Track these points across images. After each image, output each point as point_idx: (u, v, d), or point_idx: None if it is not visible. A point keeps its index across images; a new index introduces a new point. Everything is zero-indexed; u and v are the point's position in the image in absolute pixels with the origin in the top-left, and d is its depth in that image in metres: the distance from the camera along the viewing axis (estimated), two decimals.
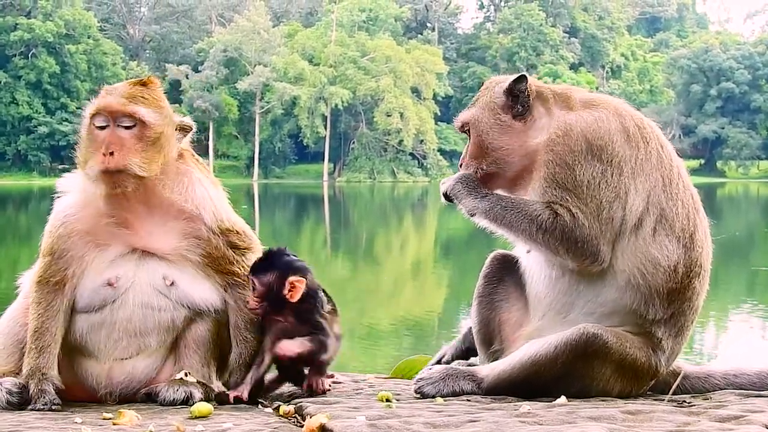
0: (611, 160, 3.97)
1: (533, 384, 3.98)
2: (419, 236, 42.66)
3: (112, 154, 3.92)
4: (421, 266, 30.70)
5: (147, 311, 4.05)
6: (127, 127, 3.97)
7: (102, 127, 3.98)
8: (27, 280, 4.25)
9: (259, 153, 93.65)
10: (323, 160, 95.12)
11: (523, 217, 4.00)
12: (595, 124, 4.02)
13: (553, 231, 3.95)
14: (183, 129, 4.15)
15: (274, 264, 4.09)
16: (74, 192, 4.13)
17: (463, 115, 4.30)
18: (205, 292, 4.14)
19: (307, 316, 4.09)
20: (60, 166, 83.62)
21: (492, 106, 4.21)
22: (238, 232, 4.20)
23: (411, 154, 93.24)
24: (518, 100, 4.17)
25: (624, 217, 3.97)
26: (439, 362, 4.53)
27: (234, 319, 4.18)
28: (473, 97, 4.42)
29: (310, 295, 4.09)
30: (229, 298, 4.17)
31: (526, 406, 3.67)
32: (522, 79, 4.18)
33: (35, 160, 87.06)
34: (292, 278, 4.05)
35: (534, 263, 4.22)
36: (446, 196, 4.21)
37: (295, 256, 4.18)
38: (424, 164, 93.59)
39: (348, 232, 43.01)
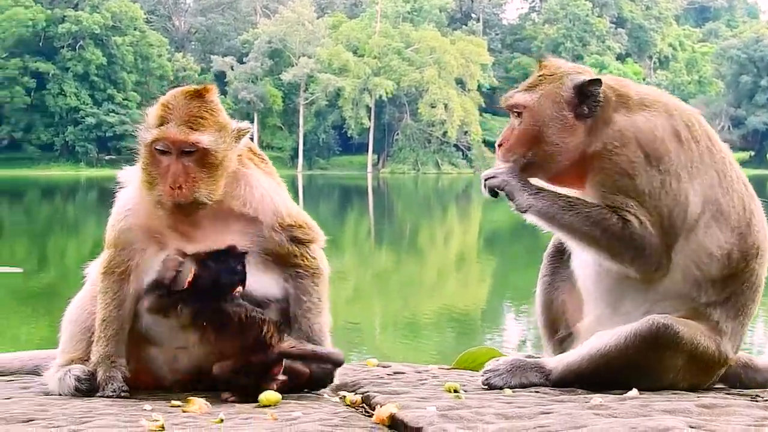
0: (669, 169, 3.91)
1: (602, 376, 3.92)
2: (463, 228, 42.57)
3: (180, 187, 3.92)
4: (464, 258, 30.62)
5: None
6: (189, 153, 3.94)
7: (164, 152, 3.96)
8: (94, 269, 4.28)
9: (304, 144, 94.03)
10: (367, 151, 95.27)
11: (585, 219, 3.91)
12: (651, 133, 3.94)
13: (621, 237, 3.87)
14: (240, 134, 4.11)
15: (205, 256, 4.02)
16: (134, 186, 4.14)
17: (521, 98, 4.08)
18: (263, 286, 4.11)
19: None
20: (107, 157, 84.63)
21: (557, 99, 4.03)
22: (301, 226, 4.18)
23: (455, 145, 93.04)
24: (586, 101, 4.01)
25: (684, 219, 3.90)
26: None
27: (293, 308, 4.17)
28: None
29: (197, 284, 3.97)
30: (291, 289, 4.16)
31: (597, 398, 3.61)
32: (597, 82, 4.01)
33: (82, 150, 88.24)
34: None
35: (581, 257, 4.14)
36: (493, 190, 4.07)
37: (233, 263, 4.00)
38: (469, 155, 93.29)
39: (392, 224, 43.06)
